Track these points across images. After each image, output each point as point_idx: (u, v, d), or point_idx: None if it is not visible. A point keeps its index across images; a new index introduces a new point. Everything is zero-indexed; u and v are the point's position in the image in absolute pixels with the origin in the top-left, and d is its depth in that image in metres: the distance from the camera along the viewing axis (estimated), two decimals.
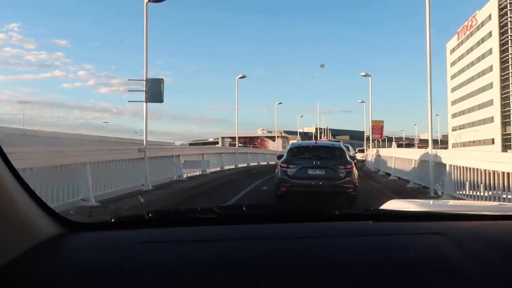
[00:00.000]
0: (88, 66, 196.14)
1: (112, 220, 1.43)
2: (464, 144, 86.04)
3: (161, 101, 11.29)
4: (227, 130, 64.99)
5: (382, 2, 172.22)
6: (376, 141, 41.18)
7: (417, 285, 1.03)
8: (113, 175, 9.79)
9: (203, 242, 1.24)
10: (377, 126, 36.81)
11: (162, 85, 11.20)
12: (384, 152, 19.89)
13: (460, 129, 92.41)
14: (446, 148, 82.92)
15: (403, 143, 43.45)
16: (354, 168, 10.33)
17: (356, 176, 10.22)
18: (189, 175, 15.97)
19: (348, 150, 34.40)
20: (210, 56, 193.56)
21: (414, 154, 13.82)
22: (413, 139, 48.24)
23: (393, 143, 47.19)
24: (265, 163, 33.74)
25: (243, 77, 23.77)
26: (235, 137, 63.39)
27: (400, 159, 15.36)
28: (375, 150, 24.45)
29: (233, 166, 23.53)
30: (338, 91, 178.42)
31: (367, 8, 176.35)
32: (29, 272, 1.05)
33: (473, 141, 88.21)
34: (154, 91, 11.19)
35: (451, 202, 4.67)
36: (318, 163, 10.03)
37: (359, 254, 1.17)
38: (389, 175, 16.75)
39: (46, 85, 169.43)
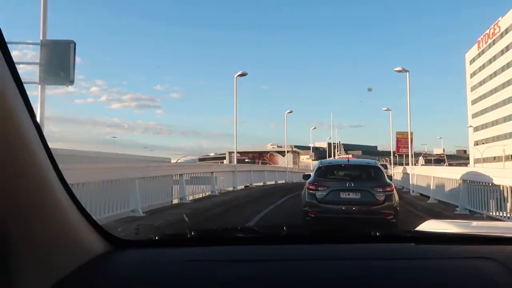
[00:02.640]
0: (100, 82, 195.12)
1: (157, 238, 1.45)
2: (485, 160, 79.64)
3: (69, 82, 6.09)
4: (237, 145, 60.34)
5: (391, 15, 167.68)
6: (396, 156, 35.59)
7: None
8: None
9: (246, 262, 1.26)
10: (405, 139, 31.37)
11: (72, 53, 6.01)
12: (436, 171, 14.39)
13: (483, 143, 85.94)
14: (466, 164, 76.87)
15: (432, 158, 37.99)
16: (395, 190, 9.07)
17: (397, 200, 8.96)
18: (155, 207, 10.68)
19: (386, 168, 28.83)
20: (218, 71, 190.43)
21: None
22: (443, 154, 42.58)
23: (421, 158, 41.38)
24: (273, 182, 28.29)
25: (242, 74, 18.67)
26: (243, 152, 58.91)
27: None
28: (409, 168, 18.99)
29: (230, 188, 18.31)
30: (348, 106, 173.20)
31: (372, 21, 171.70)
32: None
33: (496, 157, 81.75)
34: (58, 64, 6.00)
35: (494, 223, 4.23)
36: (352, 185, 8.85)
37: (400, 278, 1.13)
38: (454, 206, 11.33)
39: (58, 101, 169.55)
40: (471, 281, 1.09)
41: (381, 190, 8.62)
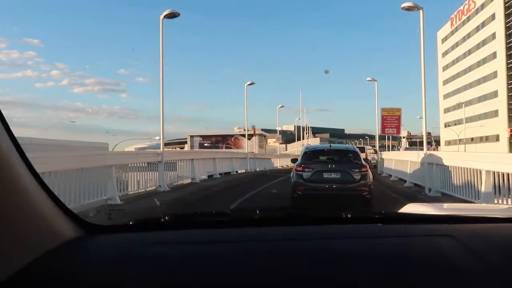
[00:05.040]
0: (62, 66, 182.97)
1: (130, 223, 1.44)
2: (460, 142, 76.19)
3: None
4: (203, 130, 55.62)
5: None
6: (367, 139, 29.98)
7: (423, 285, 1.05)
8: None
9: (215, 243, 1.26)
10: (391, 117, 25.62)
11: None
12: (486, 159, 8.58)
13: (455, 125, 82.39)
14: (437, 147, 73.01)
15: (417, 140, 32.87)
16: (369, 171, 10.19)
17: (371, 179, 10.14)
18: None
19: (376, 153, 24.91)
20: (185, 58, 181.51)
21: None
22: (430, 136, 37.59)
23: (404, 140, 36.18)
24: (230, 171, 22.17)
25: (172, 15, 12.13)
26: (206, 136, 52.34)
27: None
28: (424, 154, 13.30)
29: (152, 187, 12.07)
30: (314, 90, 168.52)
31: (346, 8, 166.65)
32: (47, 274, 1.08)
33: (472, 139, 78.50)
34: None
35: (464, 205, 4.58)
36: (334, 166, 10.13)
37: (367, 255, 1.18)
38: None
39: (18, 85, 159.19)
40: (431, 256, 1.16)
41: (357, 171, 9.88)
